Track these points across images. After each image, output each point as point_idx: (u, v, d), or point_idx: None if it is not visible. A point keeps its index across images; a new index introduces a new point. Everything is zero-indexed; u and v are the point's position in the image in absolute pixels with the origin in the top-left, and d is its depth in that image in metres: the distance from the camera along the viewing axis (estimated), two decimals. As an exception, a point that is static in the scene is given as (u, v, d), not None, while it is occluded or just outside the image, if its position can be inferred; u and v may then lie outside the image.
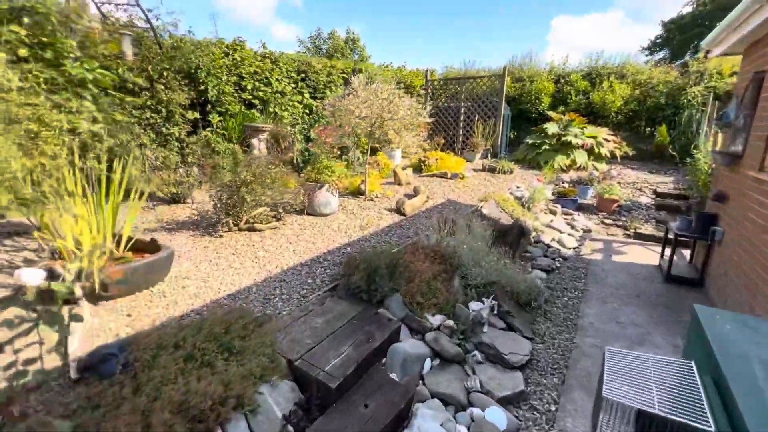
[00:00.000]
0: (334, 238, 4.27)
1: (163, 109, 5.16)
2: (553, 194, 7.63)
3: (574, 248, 5.82)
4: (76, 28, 3.30)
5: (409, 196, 6.10)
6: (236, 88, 7.34)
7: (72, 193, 2.64)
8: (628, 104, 10.26)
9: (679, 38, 21.48)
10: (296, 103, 8.40)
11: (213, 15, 23.33)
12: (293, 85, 8.42)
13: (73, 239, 2.53)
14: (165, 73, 5.14)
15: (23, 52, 2.59)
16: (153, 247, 2.95)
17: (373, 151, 8.68)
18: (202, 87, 6.29)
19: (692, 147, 8.45)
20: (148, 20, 5.01)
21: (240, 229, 4.22)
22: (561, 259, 5.36)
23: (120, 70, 4.25)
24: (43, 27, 2.78)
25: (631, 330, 3.57)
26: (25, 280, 2.28)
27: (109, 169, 3.01)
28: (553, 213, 6.97)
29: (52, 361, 2.10)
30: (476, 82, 10.30)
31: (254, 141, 6.16)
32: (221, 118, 6.75)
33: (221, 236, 4.06)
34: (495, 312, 3.49)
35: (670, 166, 8.95)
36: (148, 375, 1.89)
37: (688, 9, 21.80)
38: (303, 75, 8.72)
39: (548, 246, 5.68)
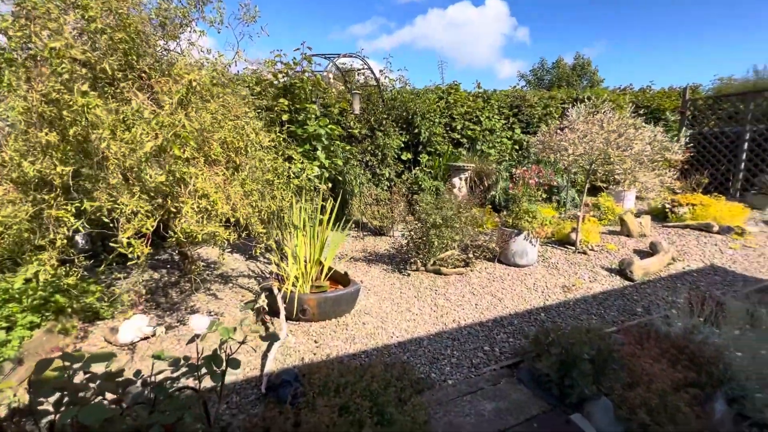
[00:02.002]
0: (526, 298, 3.61)
1: (380, 153, 5.89)
2: None
3: None
4: (319, 93, 4.20)
5: (642, 255, 4.60)
6: (447, 129, 7.70)
7: (296, 226, 3.21)
8: None
9: None
10: (505, 139, 8.05)
11: (440, 63, 26.11)
12: (504, 121, 8.13)
13: (293, 259, 3.05)
14: (384, 122, 5.89)
15: (285, 117, 3.50)
16: (345, 280, 3.23)
17: (595, 191, 7.23)
18: (416, 130, 6.89)
19: None
20: (377, 80, 5.90)
21: (427, 270, 4.19)
22: None
23: (350, 123, 5.12)
24: (299, 96, 3.67)
25: None
26: (193, 326, 2.86)
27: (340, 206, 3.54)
28: None
29: (254, 369, 2.51)
30: (777, 94, 7.09)
31: (455, 180, 6.19)
32: (429, 157, 7.18)
33: (409, 275, 4.13)
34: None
35: None
36: (307, 416, 1.95)
37: None
38: (516, 110, 8.31)
39: None
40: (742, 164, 7.51)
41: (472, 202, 4.75)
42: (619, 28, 48.60)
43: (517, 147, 8.06)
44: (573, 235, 4.84)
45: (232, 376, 2.42)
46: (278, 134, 2.99)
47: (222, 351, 1.49)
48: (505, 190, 6.88)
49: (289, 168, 3.01)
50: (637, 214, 5.82)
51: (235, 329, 1.61)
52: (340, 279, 3.34)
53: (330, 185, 3.81)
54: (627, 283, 3.89)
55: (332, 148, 4.04)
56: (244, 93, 3.11)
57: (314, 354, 2.69)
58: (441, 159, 7.20)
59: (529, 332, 2.89)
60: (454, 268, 4.12)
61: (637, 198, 7.48)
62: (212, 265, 4.16)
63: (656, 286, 3.82)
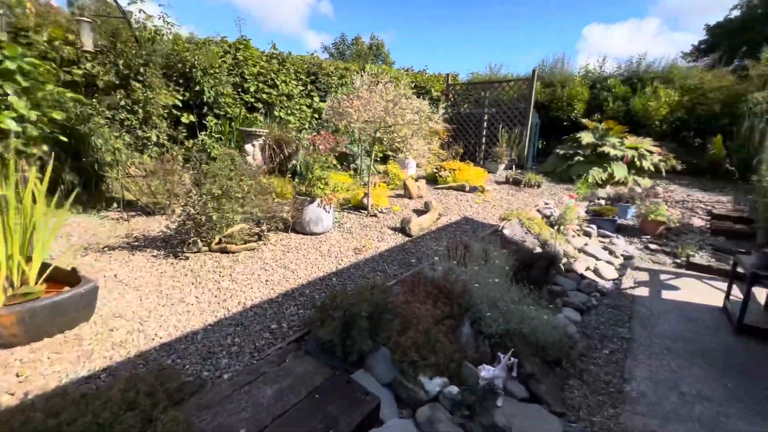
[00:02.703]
0: (321, 265, 3.58)
1: (140, 110, 4.66)
2: (587, 213, 6.67)
3: (613, 280, 4.87)
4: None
5: (419, 213, 5.34)
6: (238, 90, 6.86)
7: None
8: (674, 112, 9.13)
9: (727, 44, 19.77)
10: (304, 107, 7.86)
11: (238, 19, 23.41)
12: (302, 88, 7.89)
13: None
14: (144, 70, 4.66)
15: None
16: (74, 278, 2.34)
17: (386, 160, 8.00)
18: (198, 88, 5.82)
19: (755, 162, 7.29)
20: (119, 7, 4.51)
21: (211, 250, 3.60)
22: (598, 294, 4.44)
23: (85, 65, 3.76)
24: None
25: (699, 407, 2.66)
26: None
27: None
28: (588, 235, 6.02)
29: None
30: (502, 86, 9.47)
31: (248, 147, 5.60)
32: (218, 121, 6.26)
33: (187, 258, 3.45)
34: (514, 374, 2.68)
35: (727, 183, 7.77)
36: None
37: (736, 12, 20.11)
38: (313, 77, 8.18)
39: (582, 277, 4.76)
40: (484, 139, 9.81)
41: (263, 170, 4.35)
42: (406, 20, 55.60)
43: (316, 115, 8.01)
44: (365, 200, 5.15)
45: None
46: None
47: None
48: (306, 161, 6.76)
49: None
50: (417, 179, 6.73)
51: None
52: (66, 278, 2.41)
53: (54, 150, 2.64)
54: (407, 238, 4.40)
55: (43, 95, 2.78)
56: None
57: (12, 395, 1.82)
58: (233, 123, 6.39)
59: (320, 300, 2.84)
60: (244, 243, 3.70)
61: (418, 166, 8.74)
62: None
63: (428, 239, 4.46)
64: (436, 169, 7.17)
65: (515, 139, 9.04)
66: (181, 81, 5.78)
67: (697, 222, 6.45)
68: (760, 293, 4.23)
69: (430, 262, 3.69)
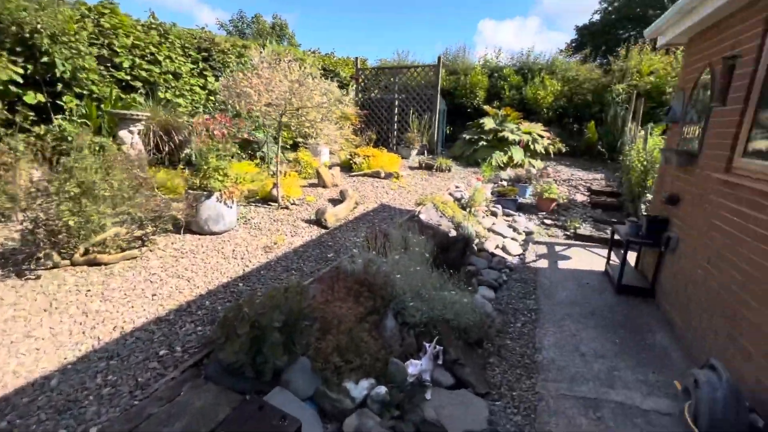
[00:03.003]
0: (224, 269, 3.11)
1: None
2: (492, 194, 7.13)
3: (519, 255, 5.27)
4: None
5: (335, 202, 5.07)
6: (108, 66, 5.67)
7: None
8: (558, 100, 10.26)
9: (592, 43, 23.09)
10: (197, 88, 6.89)
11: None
12: (192, 66, 6.88)
13: None
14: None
15: None
16: None
17: (296, 147, 7.48)
18: (46, 59, 4.61)
19: (619, 144, 8.55)
20: None
21: (75, 264, 2.86)
22: (507, 270, 4.75)
23: None
24: None
25: (597, 365, 2.96)
26: None
27: None
28: (495, 215, 6.43)
29: None
30: (410, 72, 9.55)
31: (124, 134, 4.65)
32: (80, 102, 5.09)
33: (37, 278, 2.68)
34: (440, 362, 2.64)
35: (600, 163, 9.03)
36: None
37: (597, 17, 23.50)
38: (206, 54, 7.19)
39: (493, 255, 5.04)
40: (396, 125, 9.84)
41: (145, 161, 3.62)
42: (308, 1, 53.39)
43: (213, 98, 7.10)
44: (275, 192, 4.69)
45: None
46: None
47: None
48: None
49: None
50: (331, 167, 6.42)
51: None
52: None
53: None
54: (323, 231, 4.11)
55: None
56: None
57: None
58: (102, 106, 5.26)
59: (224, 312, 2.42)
60: (122, 252, 3.02)
61: (331, 153, 8.40)
62: None
63: (345, 229, 4.24)
64: (350, 155, 6.94)
65: (425, 124, 9.24)
66: (19, 50, 4.50)
67: (580, 197, 7.36)
68: (632, 258, 4.97)
69: (349, 255, 3.48)
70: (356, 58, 9.97)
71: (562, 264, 5.11)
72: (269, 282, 2.98)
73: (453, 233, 5.04)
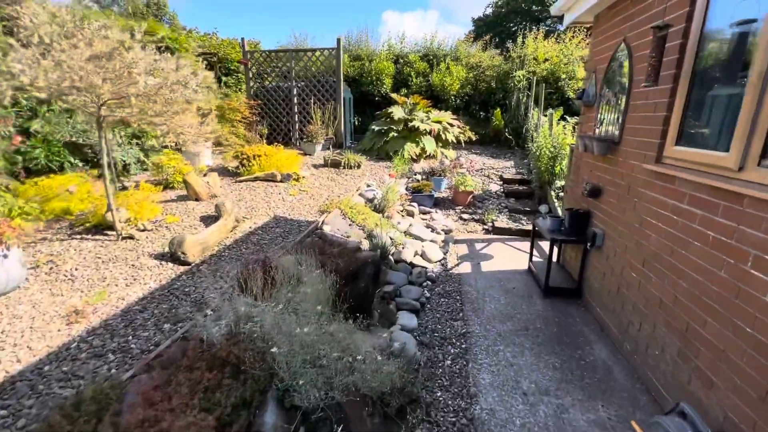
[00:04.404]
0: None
1: None
2: (407, 190, 6.51)
3: (440, 261, 4.68)
4: None
5: (209, 221, 3.87)
6: None
7: None
8: (464, 87, 10.09)
9: (487, 34, 24.28)
10: None
11: None
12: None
13: None
14: None
15: None
16: None
17: (179, 150, 5.91)
18: None
19: (524, 130, 8.59)
20: None
21: None
22: (429, 283, 4.11)
23: None
24: None
25: (542, 408, 2.41)
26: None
27: None
28: (411, 215, 5.80)
29: None
30: (308, 56, 8.41)
31: None
32: None
33: None
34: (347, 465, 1.80)
35: (508, 150, 9.06)
36: None
37: (490, 10, 24.78)
38: None
39: (412, 265, 4.37)
40: (296, 116, 8.67)
41: None
42: (195, -22, 47.37)
43: None
44: (111, 215, 3.33)
45: None
46: None
47: None
48: None
49: None
50: (208, 172, 5.10)
51: None
52: None
53: None
54: (182, 269, 2.94)
55: None
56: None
57: None
58: None
59: None
60: None
61: (220, 153, 6.96)
62: None
63: (218, 262, 3.12)
64: (237, 156, 5.67)
65: (330, 116, 8.26)
66: None
67: (494, 187, 7.14)
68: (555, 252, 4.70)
69: (208, 315, 2.40)
70: (242, 38, 8.48)
71: (485, 265, 4.66)
72: (55, 387, 1.78)
73: (365, 245, 4.23)
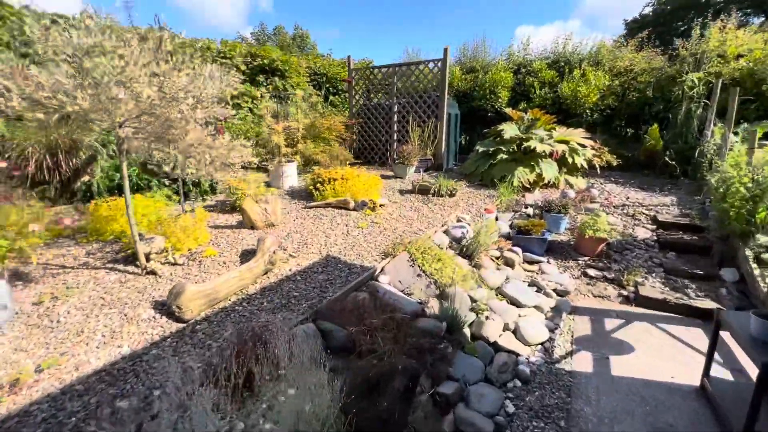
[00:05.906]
0: None
1: None
2: (511, 228, 5.08)
3: (542, 344, 3.22)
4: None
5: (248, 257, 3.32)
6: None
7: None
8: (605, 98, 7.96)
9: (644, 30, 20.12)
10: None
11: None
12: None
13: None
14: None
15: None
16: None
17: (265, 170, 5.85)
18: None
19: (697, 154, 6.16)
20: None
21: None
22: (519, 384, 2.74)
23: None
24: None
25: None
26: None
27: None
28: (510, 265, 4.38)
29: None
30: (411, 70, 7.71)
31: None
32: None
33: None
34: None
35: (668, 180, 6.63)
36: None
37: (648, 9, 20.55)
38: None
39: (496, 348, 3.04)
40: (395, 135, 8.02)
41: None
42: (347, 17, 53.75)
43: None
44: (137, 246, 3.02)
45: None
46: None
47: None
48: (106, 173, 4.44)
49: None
50: (266, 198, 4.67)
51: None
52: None
53: None
54: (175, 327, 2.35)
55: None
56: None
57: None
58: None
59: None
60: None
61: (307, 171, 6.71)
62: None
63: (223, 322, 2.45)
64: (313, 179, 5.20)
65: (429, 134, 7.35)
66: None
67: (642, 233, 5.09)
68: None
69: (175, 418, 1.67)
70: (348, 57, 8.30)
71: (618, 363, 3.00)
72: None
73: (432, 308, 3.10)
